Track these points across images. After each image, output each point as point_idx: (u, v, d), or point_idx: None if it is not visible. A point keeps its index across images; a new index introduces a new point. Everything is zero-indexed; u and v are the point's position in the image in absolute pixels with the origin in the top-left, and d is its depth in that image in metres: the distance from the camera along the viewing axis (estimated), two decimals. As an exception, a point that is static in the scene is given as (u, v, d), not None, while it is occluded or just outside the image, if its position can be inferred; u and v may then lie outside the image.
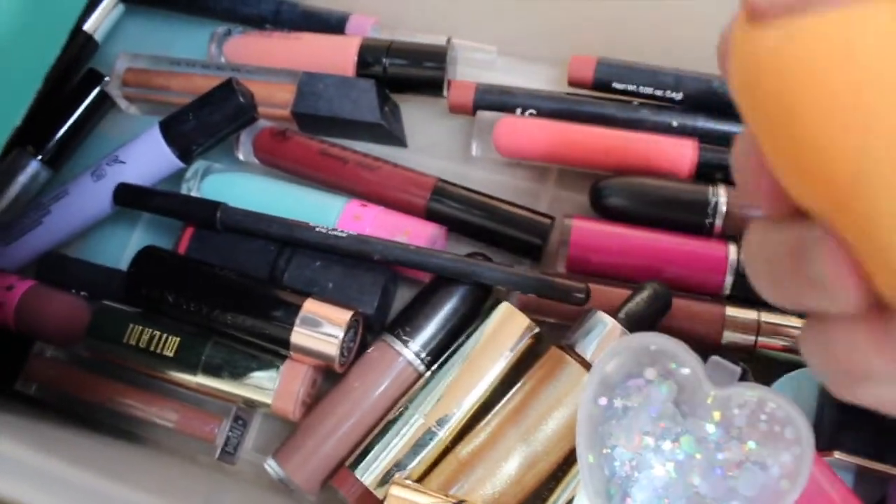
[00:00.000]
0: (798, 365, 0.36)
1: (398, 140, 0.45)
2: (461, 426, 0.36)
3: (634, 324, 0.35)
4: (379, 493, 0.36)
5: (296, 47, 0.46)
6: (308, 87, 0.44)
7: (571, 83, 0.43)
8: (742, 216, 0.38)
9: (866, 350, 0.16)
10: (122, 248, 0.45)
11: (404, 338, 0.37)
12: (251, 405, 0.39)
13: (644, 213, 0.39)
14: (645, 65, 0.42)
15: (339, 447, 0.37)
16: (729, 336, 0.37)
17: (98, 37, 0.48)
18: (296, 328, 0.36)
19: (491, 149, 0.42)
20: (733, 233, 0.39)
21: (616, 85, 0.42)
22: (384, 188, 0.42)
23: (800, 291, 0.17)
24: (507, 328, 0.37)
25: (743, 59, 0.15)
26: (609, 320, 0.34)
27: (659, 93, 0.42)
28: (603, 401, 0.30)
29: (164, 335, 0.39)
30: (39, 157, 0.45)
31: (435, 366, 0.38)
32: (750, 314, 0.37)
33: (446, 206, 0.41)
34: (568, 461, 0.35)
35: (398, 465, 0.36)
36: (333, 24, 0.47)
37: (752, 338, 0.37)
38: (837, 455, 0.33)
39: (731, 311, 0.37)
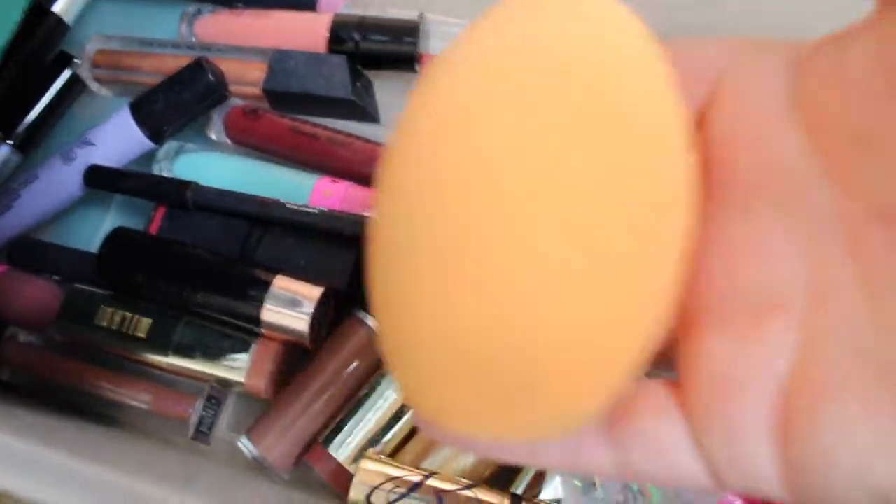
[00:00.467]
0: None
1: (371, 116, 0.44)
2: (435, 401, 0.36)
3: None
4: (352, 469, 0.35)
5: (267, 25, 0.45)
6: (279, 64, 0.43)
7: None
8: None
9: None
10: (96, 230, 0.45)
11: (376, 313, 0.37)
12: (224, 384, 0.39)
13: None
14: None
15: (312, 424, 0.37)
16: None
17: (69, 19, 0.47)
18: (266, 305, 0.36)
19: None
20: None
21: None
22: (356, 164, 0.41)
23: None
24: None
25: None
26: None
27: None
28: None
29: (136, 317, 0.39)
30: (9, 141, 0.45)
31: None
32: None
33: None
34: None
35: (371, 441, 0.36)
36: (305, 1, 0.46)
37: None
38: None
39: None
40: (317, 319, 0.36)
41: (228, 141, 0.44)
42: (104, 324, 0.39)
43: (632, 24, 0.15)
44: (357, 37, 0.43)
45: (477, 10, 0.16)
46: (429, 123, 0.14)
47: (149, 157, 0.43)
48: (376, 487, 0.32)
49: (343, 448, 0.36)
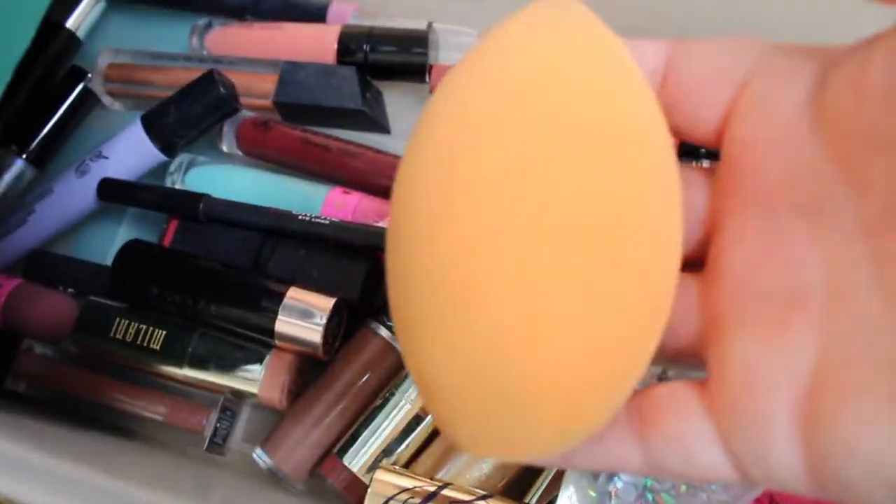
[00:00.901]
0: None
1: (381, 127, 0.44)
2: (448, 410, 0.36)
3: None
4: (367, 480, 0.35)
5: (277, 37, 0.46)
6: (290, 76, 0.43)
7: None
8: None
9: None
10: (109, 243, 0.45)
11: (389, 323, 0.37)
12: (238, 396, 0.39)
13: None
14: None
15: (326, 435, 0.37)
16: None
17: (80, 34, 0.48)
18: (279, 317, 0.36)
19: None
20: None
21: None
22: (368, 174, 0.42)
23: None
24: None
25: None
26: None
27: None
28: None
29: (151, 329, 0.39)
30: (24, 155, 0.45)
31: (421, 351, 0.37)
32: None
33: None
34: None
35: (385, 452, 0.36)
36: (314, 13, 0.47)
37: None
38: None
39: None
40: (330, 330, 0.36)
41: (240, 153, 0.45)
42: (119, 336, 0.39)
43: (626, 52, 0.16)
44: (366, 48, 0.44)
45: (485, 20, 0.16)
46: (437, 152, 0.15)
47: (161, 169, 0.44)
48: (391, 498, 0.33)
49: (357, 459, 0.36)
